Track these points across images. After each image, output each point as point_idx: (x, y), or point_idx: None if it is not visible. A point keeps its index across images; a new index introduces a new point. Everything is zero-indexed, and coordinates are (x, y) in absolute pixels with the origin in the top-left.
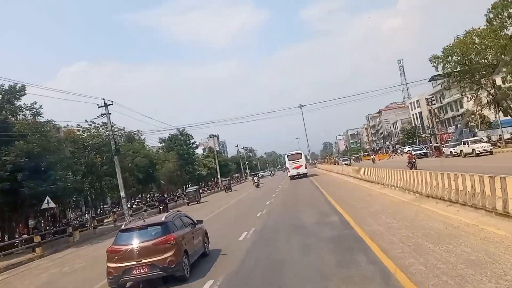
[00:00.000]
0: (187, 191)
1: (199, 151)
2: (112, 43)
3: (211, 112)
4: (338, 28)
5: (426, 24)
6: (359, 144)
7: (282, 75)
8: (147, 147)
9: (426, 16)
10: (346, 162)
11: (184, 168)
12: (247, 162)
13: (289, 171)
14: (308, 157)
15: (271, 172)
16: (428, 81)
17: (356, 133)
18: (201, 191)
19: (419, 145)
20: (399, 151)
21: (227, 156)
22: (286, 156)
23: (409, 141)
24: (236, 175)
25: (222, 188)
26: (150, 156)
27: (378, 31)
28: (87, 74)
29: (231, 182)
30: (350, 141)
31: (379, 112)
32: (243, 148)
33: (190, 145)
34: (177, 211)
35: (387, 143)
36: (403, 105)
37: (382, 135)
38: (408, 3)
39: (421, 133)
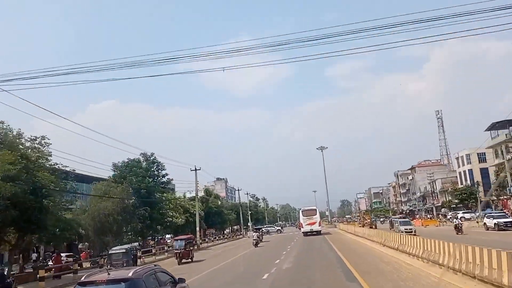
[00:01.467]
0: (110, 252)
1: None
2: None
3: (231, 160)
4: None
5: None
6: (383, 205)
7: (304, 128)
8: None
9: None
10: (408, 227)
11: (137, 211)
12: (250, 213)
13: (302, 227)
14: (327, 213)
15: (279, 228)
16: (486, 130)
17: (381, 191)
18: (139, 253)
19: (486, 208)
20: (448, 216)
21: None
22: (300, 211)
23: (460, 204)
24: (235, 227)
25: (175, 254)
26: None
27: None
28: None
29: (225, 234)
30: (373, 200)
31: (412, 168)
32: (250, 195)
33: (158, 177)
34: (154, 265)
35: (424, 205)
36: (440, 163)
37: (417, 195)
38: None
39: (477, 195)
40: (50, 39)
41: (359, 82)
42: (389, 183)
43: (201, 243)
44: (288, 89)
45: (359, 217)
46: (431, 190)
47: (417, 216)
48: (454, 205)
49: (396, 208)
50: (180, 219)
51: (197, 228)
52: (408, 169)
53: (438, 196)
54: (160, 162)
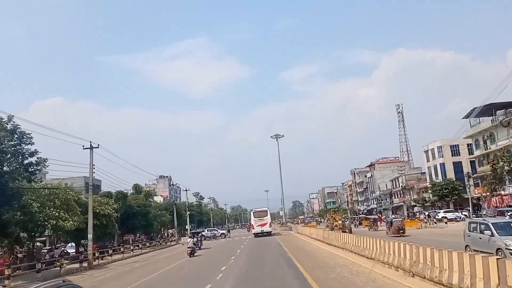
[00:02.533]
0: None
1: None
2: (91, 83)
3: (183, 161)
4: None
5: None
6: (338, 204)
7: (259, 131)
8: None
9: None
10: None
11: None
12: (189, 213)
13: (253, 228)
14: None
15: (223, 231)
16: (464, 118)
17: (335, 191)
18: None
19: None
20: (439, 216)
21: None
22: (252, 212)
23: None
24: (171, 231)
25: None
26: None
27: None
28: (62, 110)
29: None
30: (327, 200)
31: (371, 165)
32: (194, 193)
33: (19, 155)
34: (63, 280)
35: (391, 204)
36: (400, 160)
37: (376, 193)
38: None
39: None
40: None
41: (313, 86)
42: (343, 183)
43: (96, 258)
44: (244, 91)
45: (325, 218)
46: (395, 188)
47: (384, 217)
48: (429, 204)
49: (350, 207)
50: (71, 221)
51: (89, 236)
52: (367, 167)
53: (401, 194)
54: (25, 132)
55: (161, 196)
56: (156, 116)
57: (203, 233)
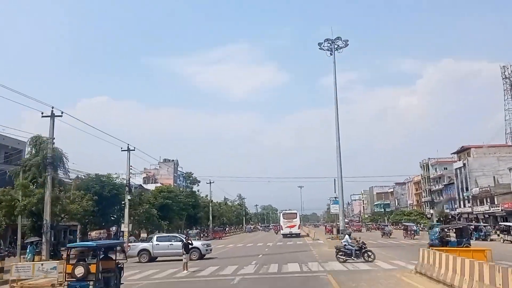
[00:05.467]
0: None
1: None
2: (135, 83)
3: (219, 164)
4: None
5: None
6: (394, 207)
7: (295, 136)
8: None
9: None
10: None
11: None
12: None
13: (282, 229)
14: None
15: (205, 245)
16: None
17: (390, 190)
18: None
19: None
20: None
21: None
22: (281, 214)
23: None
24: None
25: None
26: None
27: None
28: (107, 109)
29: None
30: (376, 203)
31: (462, 151)
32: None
33: None
34: None
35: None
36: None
37: (473, 191)
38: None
39: None
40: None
41: (353, 93)
42: (407, 178)
43: None
44: (282, 96)
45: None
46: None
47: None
48: None
49: (422, 211)
50: None
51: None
52: (454, 153)
53: None
54: None
55: (161, 184)
56: (194, 116)
57: (189, 241)
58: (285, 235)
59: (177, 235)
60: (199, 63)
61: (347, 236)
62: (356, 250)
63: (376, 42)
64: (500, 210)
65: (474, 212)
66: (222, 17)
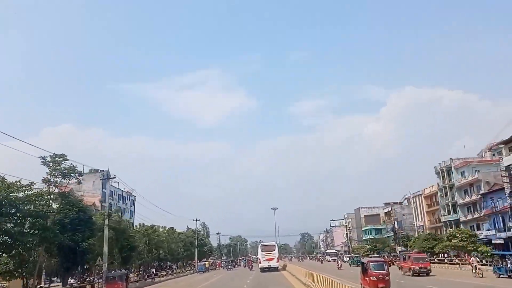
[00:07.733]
0: None
1: None
2: (101, 110)
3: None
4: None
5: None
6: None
7: (265, 163)
8: None
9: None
10: None
11: None
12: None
13: (260, 262)
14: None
15: None
16: None
17: (389, 211)
18: None
19: None
20: None
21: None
22: (259, 246)
23: None
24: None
25: None
26: None
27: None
28: (71, 137)
29: None
30: (364, 228)
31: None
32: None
33: None
34: None
35: None
36: None
37: None
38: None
39: None
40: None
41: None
42: (414, 192)
43: None
44: (252, 123)
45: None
46: None
47: None
48: None
49: (438, 236)
50: None
51: None
52: (501, 143)
53: None
54: None
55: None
56: (163, 144)
57: None
58: (263, 269)
59: None
60: (169, 88)
61: None
62: None
63: (343, 69)
64: None
65: None
66: (193, 43)
